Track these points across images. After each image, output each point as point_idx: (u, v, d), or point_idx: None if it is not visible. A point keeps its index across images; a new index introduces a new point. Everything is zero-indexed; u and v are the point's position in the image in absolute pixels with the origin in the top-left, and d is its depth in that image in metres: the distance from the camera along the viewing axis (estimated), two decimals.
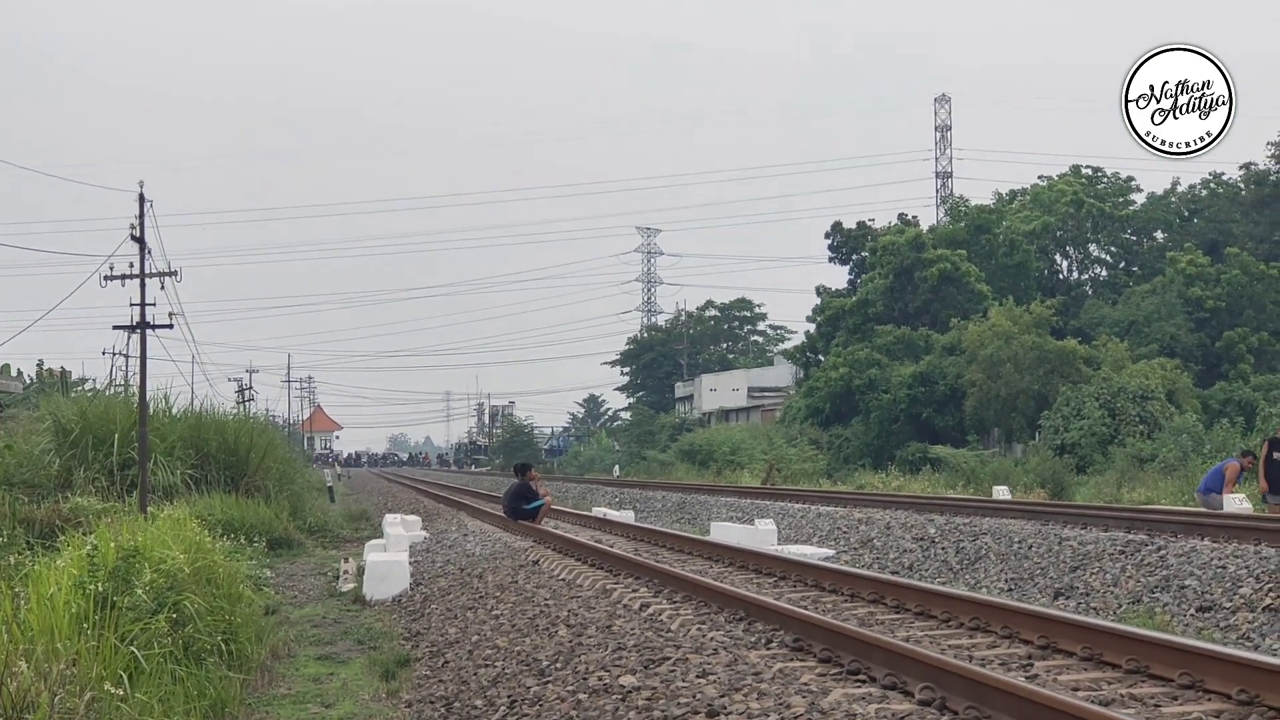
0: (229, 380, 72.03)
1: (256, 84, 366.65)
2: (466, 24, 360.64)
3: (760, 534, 20.27)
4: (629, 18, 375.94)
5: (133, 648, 8.56)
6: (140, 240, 22.97)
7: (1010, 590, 16.01)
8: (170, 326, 24.36)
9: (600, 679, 8.39)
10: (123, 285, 23.45)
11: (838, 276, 73.47)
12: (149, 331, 23.78)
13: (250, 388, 71.24)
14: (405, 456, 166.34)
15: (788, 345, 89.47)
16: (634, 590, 12.33)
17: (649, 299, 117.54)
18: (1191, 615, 12.79)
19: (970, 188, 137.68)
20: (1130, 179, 72.34)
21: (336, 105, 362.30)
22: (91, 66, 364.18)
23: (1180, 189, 71.50)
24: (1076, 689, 7.45)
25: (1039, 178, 73.72)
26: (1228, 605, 12.60)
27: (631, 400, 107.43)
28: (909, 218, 69.57)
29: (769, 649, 8.86)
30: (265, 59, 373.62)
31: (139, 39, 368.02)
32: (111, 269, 23.32)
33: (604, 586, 12.86)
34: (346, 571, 18.42)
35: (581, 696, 8.13)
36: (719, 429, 68.45)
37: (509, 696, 8.82)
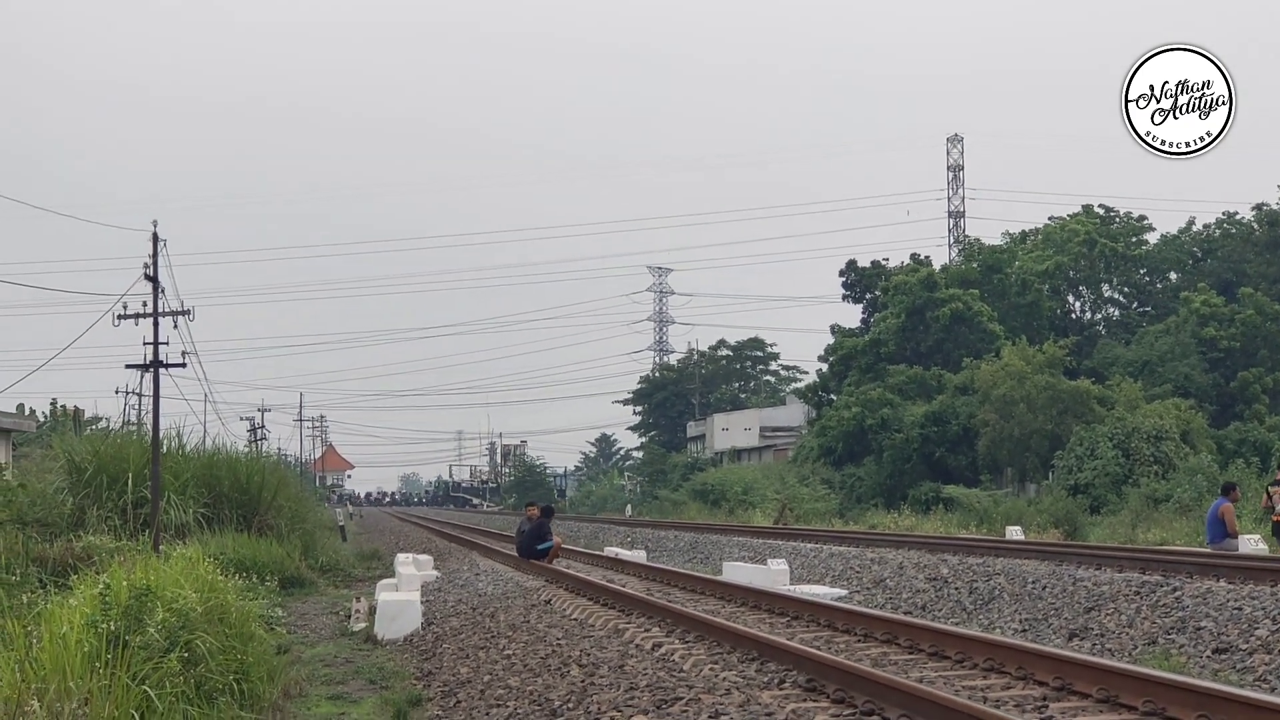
0: (241, 419, 72.17)
1: (269, 124, 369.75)
2: (480, 74, 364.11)
3: (773, 574, 20.20)
4: (638, 55, 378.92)
5: (145, 687, 8.54)
6: (154, 279, 23.15)
7: (1024, 631, 15.90)
8: (183, 365, 24.50)
9: (613, 719, 8.35)
10: (136, 324, 23.62)
11: (851, 315, 73.57)
12: (162, 370, 23.88)
13: (262, 427, 71.41)
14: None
15: (800, 385, 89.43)
16: (646, 630, 12.29)
17: (661, 338, 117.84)
18: (1208, 657, 12.68)
19: (983, 227, 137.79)
20: (1143, 218, 72.39)
21: (347, 147, 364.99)
22: (104, 104, 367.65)
23: (1194, 229, 71.51)
24: None
25: (1049, 218, 73.86)
26: (1244, 647, 12.49)
27: (643, 439, 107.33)
28: (922, 257, 69.70)
29: (782, 689, 8.82)
30: (277, 100, 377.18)
31: (150, 80, 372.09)
32: (125, 308, 23.49)
33: (616, 626, 12.82)
34: (358, 610, 18.37)
35: None
36: (731, 468, 68.39)
37: None
